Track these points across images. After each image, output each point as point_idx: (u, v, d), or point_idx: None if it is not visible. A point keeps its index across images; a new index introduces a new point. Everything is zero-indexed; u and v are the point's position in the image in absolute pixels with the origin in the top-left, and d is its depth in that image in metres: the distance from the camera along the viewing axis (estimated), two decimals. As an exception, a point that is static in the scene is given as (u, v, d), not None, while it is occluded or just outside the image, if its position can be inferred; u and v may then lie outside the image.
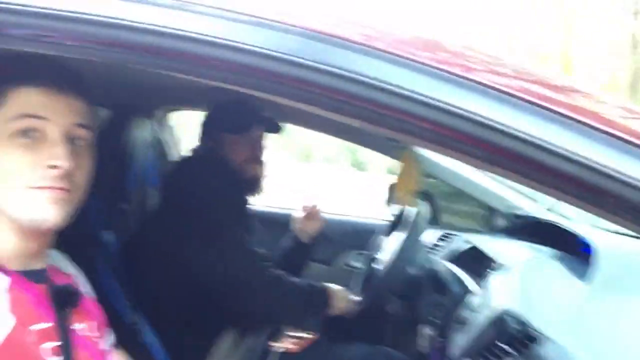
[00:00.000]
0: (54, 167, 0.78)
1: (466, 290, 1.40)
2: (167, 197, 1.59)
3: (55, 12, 0.62)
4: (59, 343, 0.80)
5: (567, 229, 1.47)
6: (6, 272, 0.77)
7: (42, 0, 0.64)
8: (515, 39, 10.57)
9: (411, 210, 1.58)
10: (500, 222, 1.85)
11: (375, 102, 0.50)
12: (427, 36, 0.68)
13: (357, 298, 1.54)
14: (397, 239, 1.57)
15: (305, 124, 2.05)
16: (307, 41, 0.55)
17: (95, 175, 0.87)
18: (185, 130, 2.36)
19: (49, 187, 0.78)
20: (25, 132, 0.79)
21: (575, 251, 1.37)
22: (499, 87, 0.52)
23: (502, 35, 10.62)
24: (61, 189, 0.79)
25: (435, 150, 0.57)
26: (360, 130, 1.96)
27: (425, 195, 1.68)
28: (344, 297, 1.55)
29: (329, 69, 0.51)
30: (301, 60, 0.52)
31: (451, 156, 0.55)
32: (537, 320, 0.95)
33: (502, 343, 0.95)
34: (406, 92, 0.50)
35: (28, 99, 0.79)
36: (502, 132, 0.49)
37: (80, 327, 0.87)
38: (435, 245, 1.77)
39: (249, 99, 1.62)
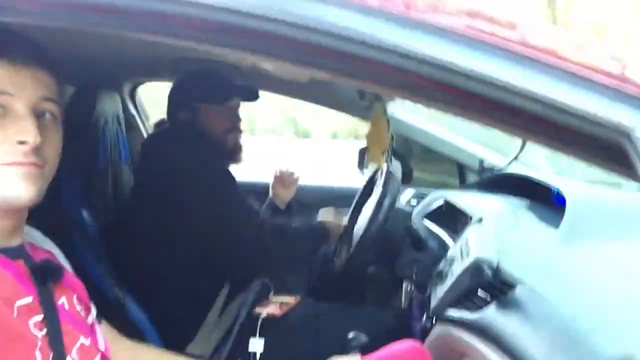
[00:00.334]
0: (23, 142, 0.77)
1: (442, 245, 1.44)
2: (147, 170, 1.58)
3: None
4: (42, 317, 0.80)
5: (536, 179, 1.51)
6: None
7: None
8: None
9: (383, 171, 1.60)
10: (472, 177, 1.89)
11: (341, 53, 0.50)
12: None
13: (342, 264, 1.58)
14: (372, 200, 1.59)
15: (276, 89, 2.04)
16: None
17: (67, 153, 0.86)
18: (154, 103, 2.32)
19: (19, 163, 0.77)
20: None
21: (545, 200, 1.41)
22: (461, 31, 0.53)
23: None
24: (31, 164, 0.78)
25: (403, 97, 0.58)
26: (332, 95, 1.97)
27: (396, 155, 1.70)
28: (337, 222, 1.61)
29: (295, 21, 0.51)
30: (268, 14, 0.52)
31: (420, 102, 0.56)
32: (512, 267, 0.98)
33: (478, 290, 0.99)
34: (370, 41, 0.50)
35: None
36: (465, 75, 0.50)
37: (63, 300, 0.87)
38: (409, 203, 1.80)
39: (224, 68, 1.61)
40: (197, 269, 1.48)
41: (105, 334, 0.95)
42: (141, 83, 2.19)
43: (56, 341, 0.81)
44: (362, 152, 1.98)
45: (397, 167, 1.66)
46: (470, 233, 1.24)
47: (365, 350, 1.32)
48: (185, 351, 1.48)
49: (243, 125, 1.66)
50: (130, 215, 1.55)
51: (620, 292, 0.81)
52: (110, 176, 1.71)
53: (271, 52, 0.53)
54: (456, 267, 1.14)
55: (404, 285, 1.52)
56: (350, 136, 8.37)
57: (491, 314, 0.90)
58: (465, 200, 1.53)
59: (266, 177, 1.92)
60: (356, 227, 1.63)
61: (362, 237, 1.53)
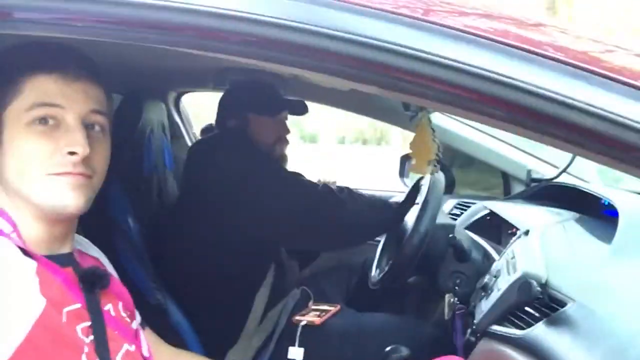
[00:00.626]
0: (72, 153, 0.79)
1: (487, 257, 1.40)
2: (194, 176, 1.60)
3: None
4: (90, 323, 0.82)
5: (587, 190, 1.45)
6: (33, 257, 0.79)
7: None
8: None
9: (427, 180, 1.57)
10: (518, 188, 1.84)
11: (388, 66, 0.49)
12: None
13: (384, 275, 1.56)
14: (415, 209, 1.56)
15: (318, 99, 2.04)
16: (314, 7, 0.54)
17: (113, 161, 0.88)
18: (198, 112, 2.36)
19: (68, 173, 0.79)
20: (42, 120, 0.80)
21: (596, 213, 1.36)
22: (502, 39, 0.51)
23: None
24: (80, 174, 0.80)
25: (449, 112, 0.56)
26: (375, 104, 1.95)
27: (441, 164, 1.67)
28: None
29: (340, 34, 0.50)
30: (310, 27, 0.51)
31: (465, 117, 0.55)
32: (561, 283, 0.94)
33: (525, 307, 0.95)
34: (418, 54, 0.49)
35: (44, 88, 0.80)
36: (521, 89, 0.48)
37: (109, 307, 0.89)
38: (453, 213, 1.76)
39: (268, 77, 1.64)
40: (239, 275, 1.49)
41: (147, 339, 0.97)
42: (186, 92, 2.23)
43: (102, 347, 0.83)
44: (404, 160, 1.96)
45: (440, 176, 1.63)
46: (516, 246, 1.20)
47: (406, 363, 1.30)
48: (225, 358, 1.49)
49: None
50: (174, 220, 1.58)
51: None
52: (155, 183, 1.74)
53: (314, 66, 0.53)
54: (502, 281, 1.11)
55: (447, 297, 1.49)
56: (358, 141, 8.30)
57: (540, 332, 0.86)
58: (511, 211, 1.49)
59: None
60: (398, 236, 1.61)
61: (403, 247, 1.50)
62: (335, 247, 1.65)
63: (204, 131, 2.07)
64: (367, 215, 1.56)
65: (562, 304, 0.88)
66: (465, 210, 1.74)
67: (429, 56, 0.49)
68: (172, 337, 1.25)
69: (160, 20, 0.59)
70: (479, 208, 1.66)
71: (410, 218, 1.57)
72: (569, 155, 1.62)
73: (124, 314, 0.93)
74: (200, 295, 1.51)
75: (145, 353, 0.93)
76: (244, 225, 1.44)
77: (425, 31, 0.50)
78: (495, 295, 1.07)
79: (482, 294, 1.17)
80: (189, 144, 2.17)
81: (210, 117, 1.82)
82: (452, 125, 1.95)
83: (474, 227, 1.61)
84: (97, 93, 0.84)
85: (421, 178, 1.66)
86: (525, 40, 0.53)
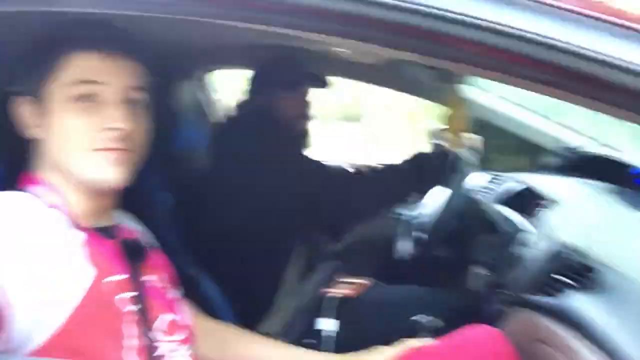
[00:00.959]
0: (114, 129, 0.81)
1: (518, 229, 1.40)
2: (221, 151, 1.63)
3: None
4: (135, 293, 0.85)
5: (620, 161, 1.43)
6: (80, 228, 0.82)
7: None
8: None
9: (458, 155, 1.57)
10: (551, 160, 1.82)
11: (429, 31, 0.49)
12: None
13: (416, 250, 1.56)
14: (447, 184, 1.56)
15: (346, 74, 2.03)
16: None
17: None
18: (222, 90, 2.38)
19: (110, 149, 0.82)
20: (83, 97, 0.82)
21: (628, 182, 1.34)
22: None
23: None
24: (121, 149, 0.82)
25: (486, 77, 0.56)
26: (400, 76, 1.94)
27: (472, 139, 1.66)
28: None
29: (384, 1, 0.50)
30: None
31: (507, 82, 0.54)
32: (594, 251, 0.94)
33: (558, 275, 0.95)
34: (458, 17, 0.49)
35: (84, 65, 0.82)
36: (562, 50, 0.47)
37: (150, 278, 0.91)
38: (486, 187, 1.76)
39: (296, 55, 1.64)
40: (269, 248, 1.52)
41: (187, 310, 1.00)
42: (213, 70, 2.24)
43: (145, 316, 0.86)
44: (436, 131, 1.94)
45: (469, 149, 1.62)
46: (548, 217, 1.20)
47: (437, 333, 1.31)
48: (259, 329, 1.53)
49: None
50: (205, 195, 1.61)
51: None
52: (186, 160, 1.77)
53: (358, 34, 0.53)
54: (532, 250, 1.11)
55: (475, 268, 1.49)
56: (342, 118, 8.17)
57: (574, 299, 0.87)
58: (542, 183, 1.48)
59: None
60: (429, 209, 1.61)
61: (435, 220, 1.51)
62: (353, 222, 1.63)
63: (235, 109, 2.08)
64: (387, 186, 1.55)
65: (592, 270, 0.88)
66: (497, 183, 1.73)
67: (468, 19, 0.48)
68: (205, 309, 1.29)
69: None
70: (510, 180, 1.65)
71: (438, 191, 1.58)
72: (599, 125, 1.60)
73: (164, 285, 0.96)
74: (232, 268, 1.54)
75: (186, 322, 0.96)
76: (261, 198, 1.47)
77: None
78: (526, 265, 1.08)
79: (514, 263, 1.17)
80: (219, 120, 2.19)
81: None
82: (482, 99, 1.93)
83: (506, 200, 1.60)
84: (136, 69, 0.86)
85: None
86: None
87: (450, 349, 1.03)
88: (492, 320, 1.10)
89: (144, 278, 0.90)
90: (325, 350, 1.41)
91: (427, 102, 2.14)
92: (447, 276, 1.65)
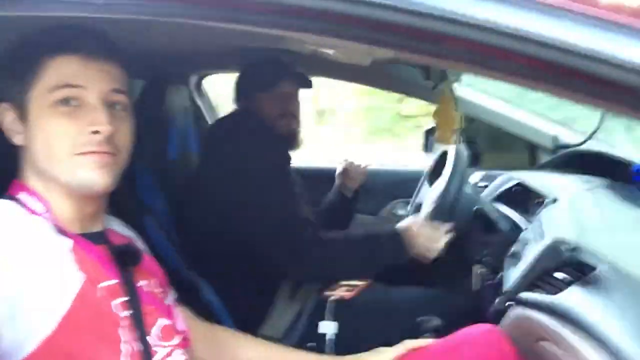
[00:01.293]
0: (96, 132, 0.80)
1: (514, 227, 1.39)
2: (207, 159, 1.62)
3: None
4: (127, 298, 0.84)
5: (614, 156, 1.43)
6: (67, 235, 0.81)
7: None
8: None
9: (451, 152, 1.56)
10: (544, 157, 1.82)
11: (411, 28, 0.49)
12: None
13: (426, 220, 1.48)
14: (440, 183, 1.56)
15: (337, 75, 2.03)
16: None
17: (139, 146, 0.90)
18: (223, 95, 2.37)
19: (93, 152, 0.81)
20: (65, 101, 0.81)
21: (626, 179, 1.33)
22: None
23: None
24: (105, 152, 0.81)
25: (475, 72, 0.55)
26: (393, 77, 1.93)
27: (464, 136, 1.65)
28: (416, 228, 1.46)
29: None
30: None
31: (493, 77, 0.53)
32: (591, 247, 0.93)
33: (555, 272, 0.94)
34: (441, 13, 0.48)
35: (65, 69, 0.81)
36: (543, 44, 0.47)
37: (144, 283, 0.91)
38: (480, 185, 1.75)
39: (278, 56, 1.63)
40: (266, 252, 1.50)
41: (182, 315, 0.99)
42: (208, 75, 2.24)
43: (138, 321, 0.85)
44: (428, 133, 1.94)
45: (464, 148, 1.62)
46: (545, 214, 1.19)
47: (438, 333, 1.30)
48: (259, 333, 1.52)
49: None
50: (196, 200, 1.60)
51: None
52: (181, 166, 1.76)
53: (348, 35, 0.52)
54: (531, 248, 1.10)
55: (475, 268, 1.48)
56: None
57: (572, 296, 0.86)
58: (539, 180, 1.47)
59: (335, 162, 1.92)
60: (424, 209, 1.60)
61: (430, 220, 1.50)
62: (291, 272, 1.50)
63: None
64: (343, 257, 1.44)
65: (592, 268, 0.87)
66: (492, 181, 1.72)
67: (458, 17, 0.48)
68: (204, 314, 1.28)
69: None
70: (506, 179, 1.64)
71: (436, 190, 1.57)
72: (594, 121, 1.59)
73: (157, 290, 0.95)
74: (230, 273, 1.53)
75: (180, 327, 0.95)
76: (243, 208, 1.44)
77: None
78: (524, 262, 1.07)
79: (511, 262, 1.16)
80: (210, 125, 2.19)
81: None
82: (475, 97, 1.93)
83: (502, 198, 1.59)
84: (118, 72, 0.85)
85: (445, 150, 1.65)
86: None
87: (452, 348, 1.02)
88: (493, 319, 1.09)
89: (138, 283, 0.89)
90: (326, 353, 1.40)
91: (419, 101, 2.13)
92: (447, 276, 1.65)
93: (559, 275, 0.94)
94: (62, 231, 0.81)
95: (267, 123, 1.58)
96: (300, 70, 1.69)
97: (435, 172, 1.71)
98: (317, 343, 1.46)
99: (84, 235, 0.84)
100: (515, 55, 0.48)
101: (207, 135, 1.71)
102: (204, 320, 1.10)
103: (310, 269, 1.45)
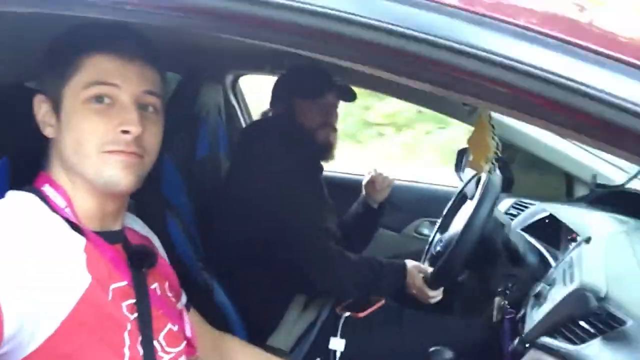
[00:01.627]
0: (126, 132, 0.80)
1: (543, 262, 1.34)
2: (239, 161, 1.62)
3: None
4: (135, 300, 0.83)
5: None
6: (84, 232, 0.80)
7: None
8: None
9: (484, 178, 1.51)
10: (582, 191, 1.74)
11: (449, 65, 0.46)
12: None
13: (433, 272, 1.51)
14: (469, 207, 1.51)
15: (377, 88, 2.00)
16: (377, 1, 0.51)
17: (169, 141, 0.89)
18: (255, 95, 2.37)
19: (121, 152, 0.81)
20: (98, 98, 0.81)
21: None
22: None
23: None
24: (132, 153, 0.81)
25: (510, 115, 0.52)
26: (432, 95, 1.89)
27: (500, 162, 1.60)
28: (420, 273, 1.53)
29: (400, 30, 0.47)
30: (373, 22, 0.48)
31: (531, 122, 0.50)
32: (622, 299, 0.88)
33: (582, 321, 0.90)
34: (482, 53, 0.45)
35: (101, 66, 0.81)
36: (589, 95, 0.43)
37: (155, 286, 0.90)
38: (510, 213, 1.70)
39: (322, 65, 1.61)
40: (279, 259, 1.49)
41: (192, 320, 0.98)
42: (243, 75, 2.24)
43: (145, 325, 0.84)
44: (461, 155, 1.89)
45: (498, 173, 1.56)
46: (576, 254, 1.14)
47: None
48: (267, 342, 1.50)
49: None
50: (222, 202, 1.59)
51: None
52: (208, 165, 1.76)
53: (374, 62, 0.50)
54: (557, 290, 1.05)
55: (497, 300, 1.43)
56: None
57: (595, 350, 0.81)
58: (573, 215, 1.41)
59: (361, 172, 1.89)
60: (450, 233, 1.56)
61: (455, 244, 1.46)
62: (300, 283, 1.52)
63: (262, 116, 2.07)
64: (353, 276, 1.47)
65: (621, 322, 0.82)
66: (524, 211, 1.67)
67: (490, 55, 0.45)
68: (216, 317, 1.27)
69: (217, 7, 0.58)
70: (538, 210, 1.58)
71: (464, 214, 1.52)
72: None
73: (169, 294, 0.94)
74: (246, 277, 1.52)
75: (188, 333, 0.94)
76: (269, 214, 1.44)
77: (487, 28, 0.46)
78: (548, 305, 1.02)
79: (535, 301, 1.11)
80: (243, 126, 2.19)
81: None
82: (513, 121, 1.86)
83: (532, 229, 1.54)
84: (153, 74, 0.85)
85: (478, 174, 1.60)
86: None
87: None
88: (507, 357, 1.05)
89: (149, 286, 0.88)
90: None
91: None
92: (466, 304, 1.60)
93: (584, 324, 0.89)
94: (78, 228, 0.80)
95: (306, 131, 1.57)
96: (342, 80, 1.67)
97: (465, 195, 1.66)
98: (325, 358, 1.44)
99: (101, 233, 0.84)
100: (559, 107, 0.45)
101: (241, 137, 1.70)
102: (212, 327, 1.09)
103: (324, 282, 1.45)
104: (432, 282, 1.49)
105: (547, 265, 1.32)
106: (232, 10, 0.58)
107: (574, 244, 1.25)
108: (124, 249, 0.87)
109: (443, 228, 1.71)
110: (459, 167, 1.92)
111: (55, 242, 0.77)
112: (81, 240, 0.80)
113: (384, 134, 4.77)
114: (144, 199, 0.94)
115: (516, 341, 1.07)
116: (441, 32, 0.46)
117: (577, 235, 1.28)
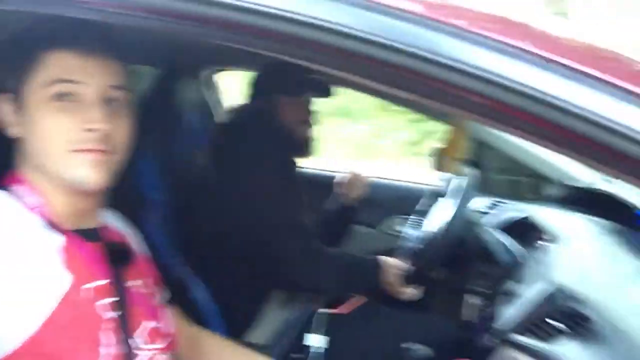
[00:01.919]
0: (91, 129, 0.78)
1: (515, 261, 1.37)
2: (216, 157, 1.61)
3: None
4: (115, 299, 0.83)
5: (626, 201, 1.40)
6: (60, 231, 0.79)
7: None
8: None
9: (460, 177, 1.54)
10: (555, 192, 1.78)
11: (427, 76, 0.47)
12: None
13: (408, 268, 1.53)
14: (444, 205, 1.53)
15: (354, 87, 2.01)
16: (360, 11, 0.52)
17: (146, 136, 0.88)
18: (229, 91, 2.36)
19: (88, 150, 0.79)
20: (61, 96, 0.79)
21: (635, 225, 1.30)
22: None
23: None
24: (100, 150, 0.80)
25: (490, 126, 0.54)
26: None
27: (475, 163, 1.63)
28: (395, 270, 1.54)
29: (382, 41, 0.48)
30: (355, 33, 0.49)
31: (510, 132, 0.52)
32: (590, 297, 0.91)
33: (552, 320, 0.92)
34: (462, 66, 0.46)
35: (62, 63, 0.79)
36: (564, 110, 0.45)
37: (134, 283, 0.89)
38: (484, 213, 1.73)
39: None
40: (256, 255, 1.50)
41: (171, 316, 0.98)
42: (220, 71, 2.22)
43: (124, 323, 0.83)
44: (437, 153, 1.91)
45: (471, 172, 1.59)
46: (547, 253, 1.17)
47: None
48: (246, 337, 1.51)
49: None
50: (200, 197, 1.59)
51: None
52: (186, 160, 1.75)
53: (354, 71, 0.51)
54: (528, 288, 1.08)
55: (467, 297, 1.47)
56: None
57: (564, 347, 0.84)
58: (544, 215, 1.45)
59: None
60: (427, 230, 1.58)
61: (429, 242, 1.48)
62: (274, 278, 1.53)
63: (234, 111, 2.06)
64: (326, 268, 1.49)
65: (589, 320, 0.85)
66: (495, 209, 1.70)
67: (468, 68, 0.46)
68: (194, 313, 1.27)
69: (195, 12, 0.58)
70: (512, 209, 1.62)
71: (439, 212, 1.55)
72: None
73: (147, 291, 0.94)
74: (224, 273, 1.52)
75: (168, 330, 0.93)
76: (245, 209, 1.45)
77: (467, 41, 0.47)
78: (519, 302, 1.05)
79: (506, 298, 1.14)
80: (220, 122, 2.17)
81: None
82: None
83: (505, 228, 1.57)
84: (116, 68, 0.83)
85: (452, 173, 1.63)
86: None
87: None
88: (479, 355, 1.08)
89: (128, 283, 0.88)
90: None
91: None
92: (441, 302, 1.63)
93: (553, 322, 0.92)
94: (54, 227, 0.79)
95: (283, 128, 1.57)
96: (314, 75, 1.67)
97: (437, 193, 1.69)
98: (304, 354, 1.45)
99: (77, 231, 0.83)
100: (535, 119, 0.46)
101: (219, 131, 1.69)
102: (192, 323, 1.09)
103: (297, 278, 1.47)
104: (413, 279, 1.51)
105: (518, 264, 1.35)
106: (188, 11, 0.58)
107: (544, 243, 1.29)
108: (101, 246, 0.86)
109: (416, 225, 1.74)
110: (434, 165, 1.95)
111: (31, 242, 0.76)
112: (58, 239, 0.79)
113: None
114: (120, 194, 0.93)
115: (486, 338, 1.09)
116: (419, 44, 0.47)
117: (549, 235, 1.32)
